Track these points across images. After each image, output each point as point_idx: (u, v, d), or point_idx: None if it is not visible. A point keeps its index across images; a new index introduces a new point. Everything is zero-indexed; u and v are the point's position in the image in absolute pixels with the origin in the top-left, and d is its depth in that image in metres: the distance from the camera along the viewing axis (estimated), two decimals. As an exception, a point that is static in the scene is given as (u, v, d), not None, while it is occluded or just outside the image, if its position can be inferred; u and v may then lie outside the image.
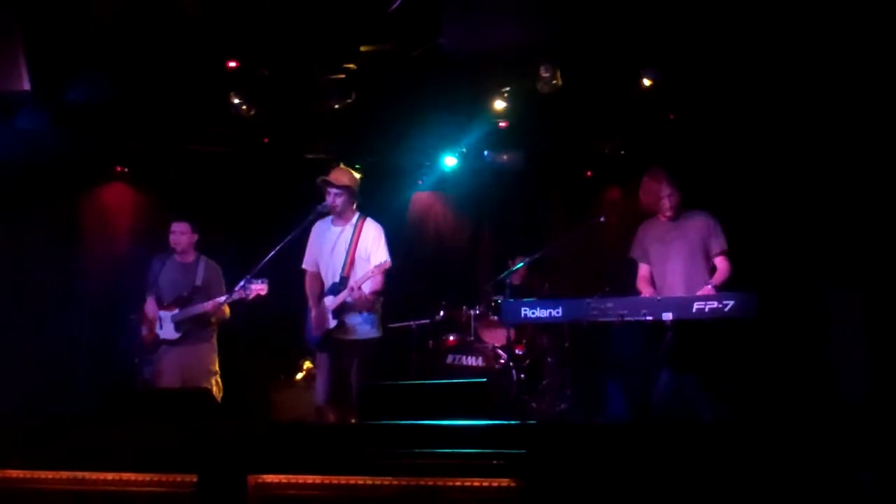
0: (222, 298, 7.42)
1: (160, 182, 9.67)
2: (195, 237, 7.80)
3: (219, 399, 7.62)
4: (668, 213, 6.68)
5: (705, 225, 6.63)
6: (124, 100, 8.18)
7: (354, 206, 6.86)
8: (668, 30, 7.09)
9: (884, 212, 7.39)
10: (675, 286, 6.53)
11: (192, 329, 7.64)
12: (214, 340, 7.80)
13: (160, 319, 7.67)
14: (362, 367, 6.61)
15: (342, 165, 7.04)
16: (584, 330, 7.82)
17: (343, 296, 6.54)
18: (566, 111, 8.81)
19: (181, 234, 7.73)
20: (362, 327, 6.68)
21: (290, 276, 7.07)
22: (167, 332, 7.65)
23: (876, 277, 7.46)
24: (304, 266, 6.97)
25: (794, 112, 7.87)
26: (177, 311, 7.65)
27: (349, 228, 6.78)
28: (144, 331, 7.75)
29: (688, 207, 6.75)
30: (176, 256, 7.79)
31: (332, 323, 6.60)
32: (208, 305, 7.52)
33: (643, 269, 6.85)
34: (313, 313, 6.74)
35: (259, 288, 7.13)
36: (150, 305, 7.74)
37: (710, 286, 6.33)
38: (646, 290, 6.67)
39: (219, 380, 7.75)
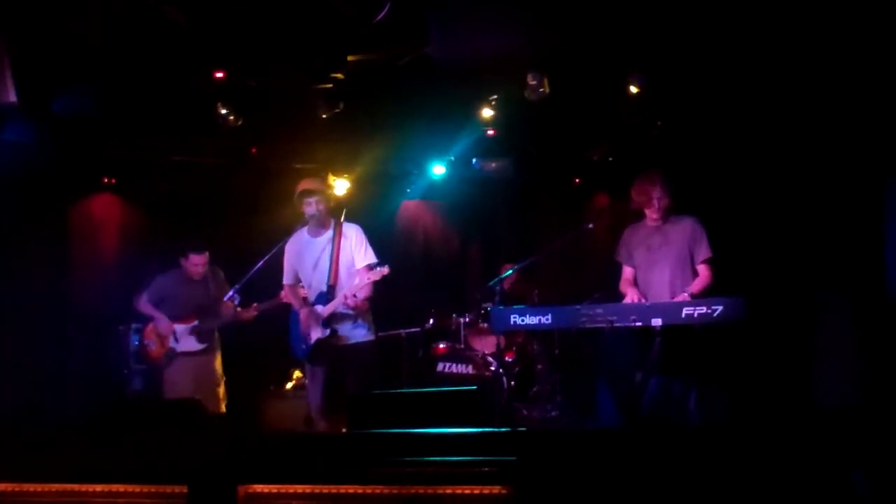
0: (260, 305, 7.65)
1: (148, 193, 9.66)
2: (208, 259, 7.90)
3: (224, 404, 7.76)
4: (656, 216, 6.66)
5: (691, 231, 6.61)
6: (111, 111, 8.18)
7: (331, 213, 6.82)
8: (655, 37, 7.12)
9: (871, 217, 7.42)
10: (660, 293, 6.52)
11: (212, 338, 7.80)
12: (220, 345, 7.92)
13: (175, 333, 7.71)
14: (359, 373, 6.52)
15: (323, 175, 7.03)
16: (573, 336, 7.82)
17: (336, 304, 6.48)
18: (554, 119, 8.83)
19: (201, 266, 7.84)
20: (357, 332, 6.59)
21: (277, 286, 7.06)
22: (187, 344, 7.79)
23: (863, 282, 7.49)
24: (285, 281, 6.92)
25: (781, 117, 7.91)
26: (196, 322, 7.71)
27: (328, 235, 6.69)
28: (152, 346, 7.79)
29: (674, 209, 6.74)
30: (184, 273, 7.83)
31: (325, 332, 6.54)
32: (242, 315, 7.70)
33: (627, 272, 6.84)
34: (302, 314, 6.67)
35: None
36: (162, 323, 7.83)
37: (686, 294, 6.33)
38: (629, 292, 6.65)
39: (224, 385, 7.89)
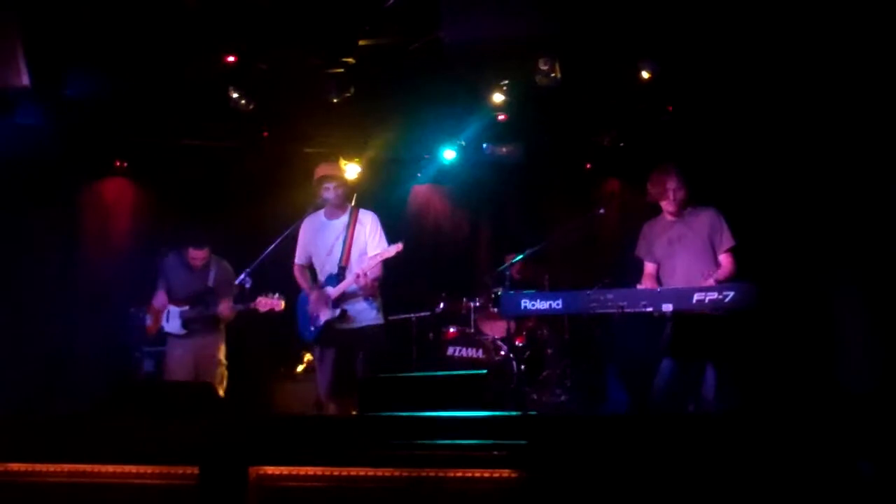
0: (236, 306, 7.52)
1: (160, 177, 9.69)
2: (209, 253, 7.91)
3: (223, 389, 7.73)
4: (673, 209, 6.62)
5: (711, 222, 6.56)
6: (123, 94, 8.18)
7: (346, 198, 6.85)
8: (667, 22, 7.09)
9: (885, 201, 7.38)
10: (682, 284, 6.49)
11: (199, 326, 7.77)
12: (223, 331, 7.90)
13: (168, 313, 7.77)
14: (368, 356, 6.55)
15: (338, 160, 7.04)
16: (584, 322, 7.82)
17: (347, 283, 6.51)
18: (565, 104, 8.80)
19: (199, 260, 7.86)
20: (366, 314, 6.63)
21: (289, 269, 7.08)
22: (173, 326, 7.78)
23: (878, 267, 7.45)
24: (296, 261, 6.96)
25: (793, 103, 7.87)
26: (187, 308, 7.74)
27: (344, 220, 6.75)
28: (149, 321, 7.89)
29: (691, 200, 6.70)
30: (186, 259, 7.87)
31: (335, 313, 6.57)
32: (221, 309, 7.65)
33: (649, 267, 6.79)
34: (313, 296, 6.69)
35: (274, 303, 7.19)
36: (159, 297, 7.87)
37: (711, 280, 6.31)
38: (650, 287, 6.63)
39: (225, 370, 7.84)
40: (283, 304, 7.24)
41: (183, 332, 7.75)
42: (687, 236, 6.59)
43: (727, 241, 6.51)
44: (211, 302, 7.71)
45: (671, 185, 6.56)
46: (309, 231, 6.88)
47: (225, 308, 7.62)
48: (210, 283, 7.79)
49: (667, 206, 6.65)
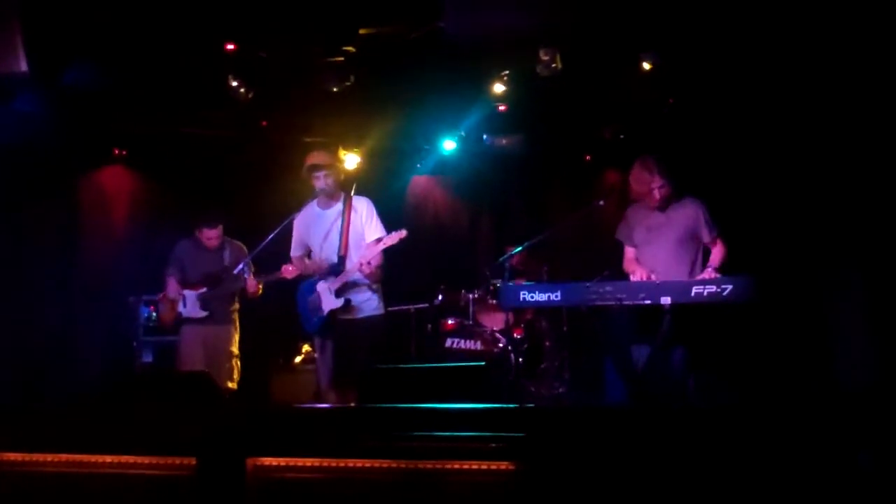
0: (260, 277, 7.51)
1: (158, 165, 9.67)
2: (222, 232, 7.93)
3: (236, 382, 7.79)
4: (656, 205, 6.61)
5: (693, 214, 6.55)
6: (122, 82, 8.17)
7: (341, 186, 6.82)
8: (669, 13, 7.07)
9: (885, 195, 7.37)
10: (657, 274, 6.49)
11: (217, 308, 7.81)
12: (237, 322, 7.93)
13: (184, 298, 7.80)
14: (369, 347, 6.55)
15: (332, 149, 7.03)
16: (582, 314, 7.81)
17: (350, 272, 6.51)
18: (566, 95, 8.79)
19: (215, 239, 7.90)
20: (369, 304, 6.64)
21: (287, 259, 7.07)
22: (192, 310, 7.81)
23: (876, 261, 7.45)
24: (292, 254, 6.96)
25: (793, 95, 7.86)
26: (205, 289, 7.76)
27: (338, 208, 6.73)
28: (164, 310, 7.95)
29: (684, 191, 6.68)
30: (200, 241, 7.88)
31: (337, 303, 6.56)
32: (248, 286, 7.64)
33: (629, 252, 6.81)
34: (319, 287, 6.69)
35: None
36: (172, 286, 7.91)
37: (710, 268, 6.30)
38: (637, 271, 6.61)
39: (238, 362, 7.87)
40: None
41: (203, 313, 7.78)
42: (665, 226, 6.59)
43: (712, 231, 6.51)
44: (228, 280, 7.72)
45: (655, 184, 6.52)
46: (303, 223, 6.86)
47: (251, 284, 7.61)
48: (226, 262, 7.83)
49: (651, 202, 6.63)
